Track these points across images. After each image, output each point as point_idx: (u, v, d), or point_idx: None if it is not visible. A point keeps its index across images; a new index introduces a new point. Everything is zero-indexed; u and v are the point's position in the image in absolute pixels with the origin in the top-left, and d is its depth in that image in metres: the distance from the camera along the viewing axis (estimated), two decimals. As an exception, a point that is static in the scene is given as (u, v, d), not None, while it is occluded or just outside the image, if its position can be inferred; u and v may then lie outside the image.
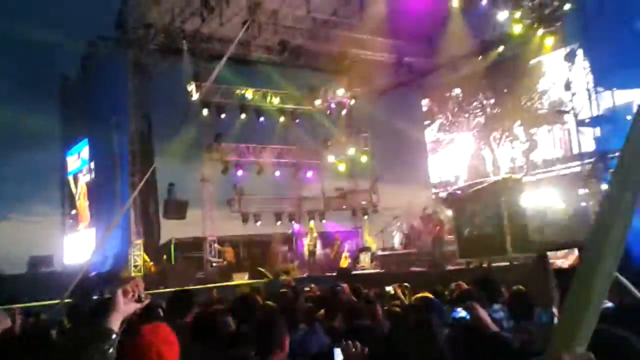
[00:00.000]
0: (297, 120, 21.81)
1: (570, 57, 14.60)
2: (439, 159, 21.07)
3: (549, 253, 4.91)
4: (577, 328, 0.87)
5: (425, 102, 21.96)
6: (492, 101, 19.17)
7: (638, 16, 11.64)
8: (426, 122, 21.80)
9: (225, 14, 17.05)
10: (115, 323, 2.18)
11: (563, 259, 10.17)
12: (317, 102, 21.71)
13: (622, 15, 11.80)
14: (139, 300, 2.34)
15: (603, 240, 0.86)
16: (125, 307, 2.24)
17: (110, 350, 2.19)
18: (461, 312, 3.79)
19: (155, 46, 18.22)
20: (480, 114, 19.59)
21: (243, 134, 20.88)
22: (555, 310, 3.19)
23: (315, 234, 19.08)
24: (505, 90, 18.63)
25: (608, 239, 0.85)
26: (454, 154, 20.25)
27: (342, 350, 2.96)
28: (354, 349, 2.88)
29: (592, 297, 0.86)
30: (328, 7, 18.25)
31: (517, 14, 15.82)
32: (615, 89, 12.92)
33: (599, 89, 12.51)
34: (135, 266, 17.96)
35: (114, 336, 2.17)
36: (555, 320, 3.03)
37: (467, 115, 19.90)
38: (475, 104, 19.76)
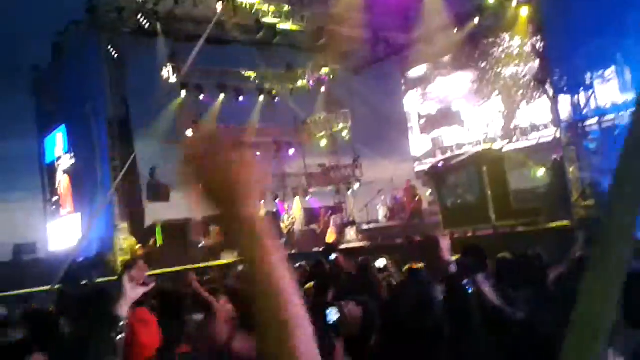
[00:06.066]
0: (276, 99, 21.77)
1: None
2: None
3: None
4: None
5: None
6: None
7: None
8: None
9: (199, -6, 16.84)
10: (123, 309, 2.27)
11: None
12: (297, 80, 21.63)
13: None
14: (144, 284, 2.42)
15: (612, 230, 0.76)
16: (132, 292, 2.32)
17: (118, 337, 2.28)
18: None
19: (128, 29, 17.93)
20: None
21: (223, 114, 20.80)
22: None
23: (292, 213, 19.12)
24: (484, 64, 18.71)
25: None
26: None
27: (338, 309, 2.86)
28: (349, 309, 2.82)
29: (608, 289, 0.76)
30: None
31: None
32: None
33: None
34: (122, 249, 17.92)
35: (122, 322, 2.26)
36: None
37: None
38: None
